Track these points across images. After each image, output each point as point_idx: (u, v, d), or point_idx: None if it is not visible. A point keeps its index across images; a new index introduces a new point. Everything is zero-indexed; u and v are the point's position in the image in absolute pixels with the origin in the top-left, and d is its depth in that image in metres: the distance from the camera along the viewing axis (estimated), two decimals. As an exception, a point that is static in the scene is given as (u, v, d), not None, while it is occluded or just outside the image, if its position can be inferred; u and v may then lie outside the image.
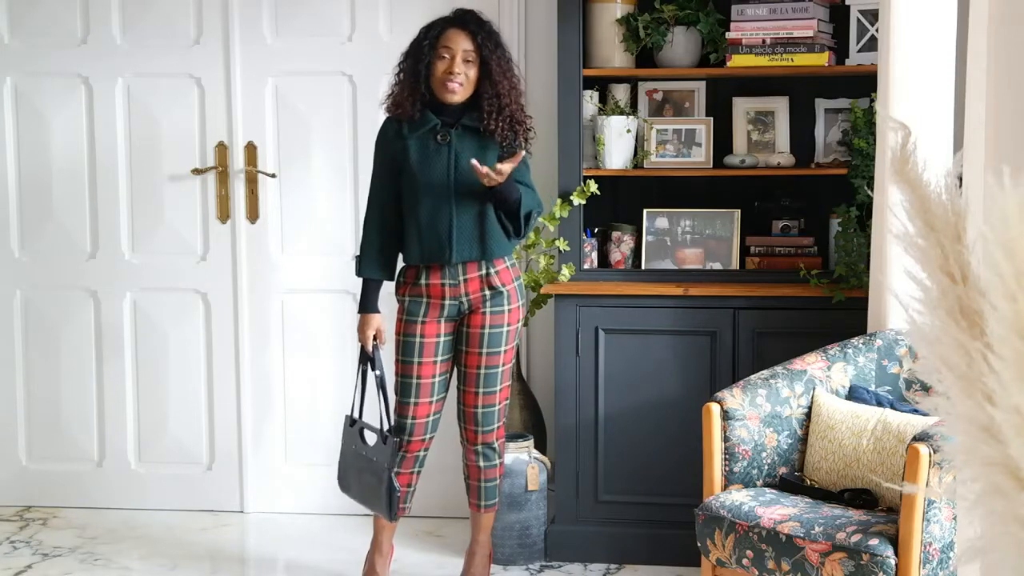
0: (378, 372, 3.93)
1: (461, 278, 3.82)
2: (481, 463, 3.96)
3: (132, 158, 4.94)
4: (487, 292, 3.85)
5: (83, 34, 4.92)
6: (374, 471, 3.88)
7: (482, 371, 3.89)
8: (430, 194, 3.78)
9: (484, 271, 3.84)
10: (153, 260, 4.97)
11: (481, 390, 3.90)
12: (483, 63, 3.76)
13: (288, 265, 4.89)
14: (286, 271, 4.89)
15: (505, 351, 3.90)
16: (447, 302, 3.84)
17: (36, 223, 5.02)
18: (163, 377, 5.00)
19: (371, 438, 3.96)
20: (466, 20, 3.81)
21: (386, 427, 3.90)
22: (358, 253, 3.93)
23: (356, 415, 3.98)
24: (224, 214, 4.89)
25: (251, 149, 4.85)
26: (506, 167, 3.70)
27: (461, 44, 3.76)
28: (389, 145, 3.85)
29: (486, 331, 3.86)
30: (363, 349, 3.95)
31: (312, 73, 4.81)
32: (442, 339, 3.87)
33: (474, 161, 3.70)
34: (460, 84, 3.76)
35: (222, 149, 4.87)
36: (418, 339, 3.85)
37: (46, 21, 4.93)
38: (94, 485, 5.06)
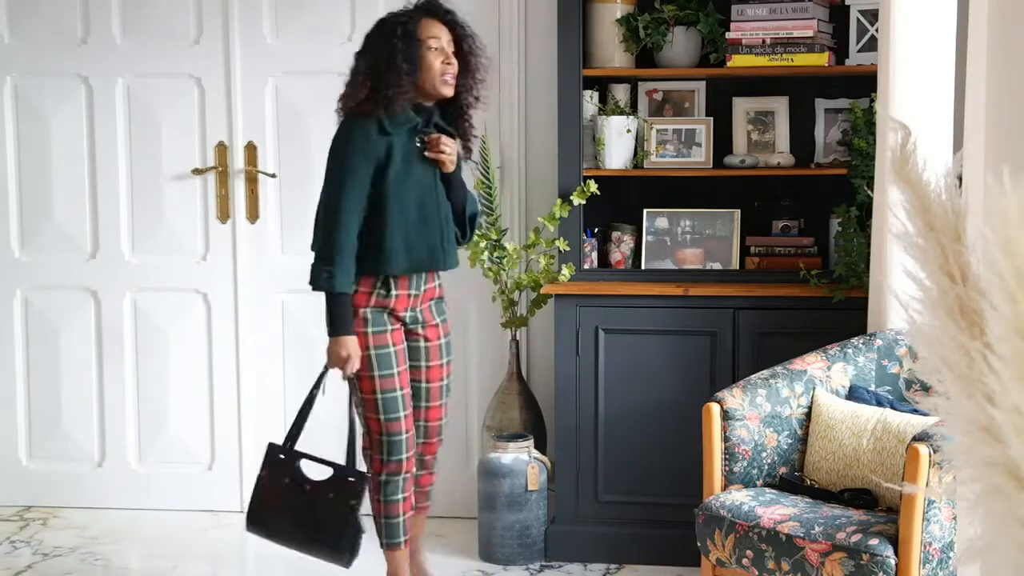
0: (360, 407, 3.64)
1: (423, 288, 3.69)
2: (433, 469, 3.93)
3: (132, 158, 4.94)
4: (434, 302, 3.76)
5: (83, 34, 4.92)
6: (320, 510, 3.54)
7: (444, 382, 3.84)
8: (417, 196, 3.59)
9: (437, 281, 3.76)
10: (153, 260, 4.97)
11: (443, 401, 3.85)
12: (462, 57, 3.61)
13: (288, 265, 4.89)
14: (286, 271, 4.89)
15: (452, 358, 3.90)
16: (407, 313, 3.68)
17: (36, 223, 5.02)
18: (163, 377, 5.00)
19: (315, 471, 3.64)
20: (437, 10, 3.61)
21: (350, 463, 3.61)
22: (327, 265, 3.49)
23: (291, 444, 3.65)
24: (224, 214, 4.89)
25: (251, 149, 4.85)
26: (452, 143, 3.62)
27: (444, 35, 3.59)
28: (373, 144, 3.53)
29: (442, 341, 3.80)
30: (323, 374, 3.64)
31: (312, 73, 4.81)
32: (406, 346, 3.72)
33: (441, 137, 3.60)
34: (455, 75, 3.61)
35: (222, 149, 4.87)
36: (391, 348, 3.64)
37: (46, 21, 4.92)
38: (94, 485, 5.06)
